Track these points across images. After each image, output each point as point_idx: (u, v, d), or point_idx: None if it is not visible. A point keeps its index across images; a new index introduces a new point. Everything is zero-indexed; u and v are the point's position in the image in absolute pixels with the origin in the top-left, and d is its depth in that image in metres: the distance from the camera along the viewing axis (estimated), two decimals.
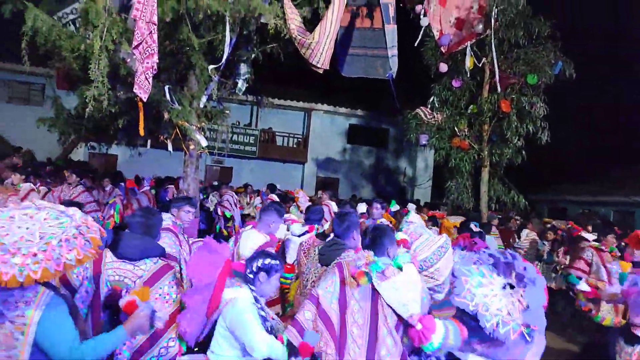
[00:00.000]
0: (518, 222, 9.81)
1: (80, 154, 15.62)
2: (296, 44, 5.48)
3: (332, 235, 3.56)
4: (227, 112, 6.52)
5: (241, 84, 6.32)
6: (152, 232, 2.97)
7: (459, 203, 11.74)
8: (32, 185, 6.64)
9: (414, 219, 3.65)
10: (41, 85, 16.00)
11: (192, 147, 6.20)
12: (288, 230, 4.78)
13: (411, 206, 7.43)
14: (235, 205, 8.93)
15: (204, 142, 6.10)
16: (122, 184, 7.78)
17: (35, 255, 1.79)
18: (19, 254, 1.77)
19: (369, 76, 6.33)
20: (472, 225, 5.51)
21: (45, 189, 6.98)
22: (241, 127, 17.71)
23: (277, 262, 2.71)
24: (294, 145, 19.57)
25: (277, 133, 19.18)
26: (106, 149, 8.42)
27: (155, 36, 4.55)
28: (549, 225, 9.45)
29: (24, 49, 4.34)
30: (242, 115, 17.93)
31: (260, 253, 2.83)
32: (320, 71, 5.67)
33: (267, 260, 2.67)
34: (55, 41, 4.49)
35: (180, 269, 3.67)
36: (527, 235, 8.51)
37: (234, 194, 9.51)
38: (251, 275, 2.64)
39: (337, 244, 3.34)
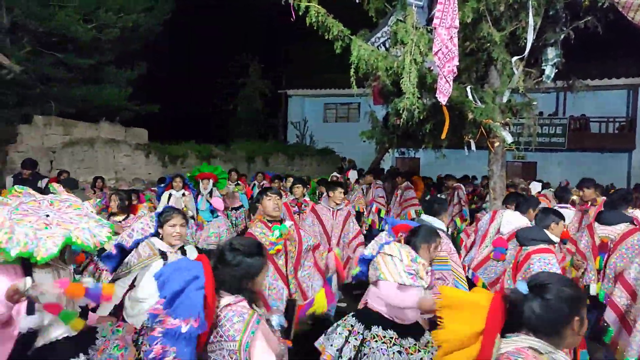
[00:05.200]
0: None
1: (388, 159, 17.62)
2: (620, 9, 4.61)
3: None
4: (535, 103, 6.06)
5: (549, 71, 5.76)
6: None
7: None
8: None
9: None
10: (357, 104, 19.02)
11: (496, 144, 6.05)
12: None
13: None
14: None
15: (509, 139, 5.85)
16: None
17: None
18: None
19: None
20: None
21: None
22: (545, 117, 16.12)
23: None
24: (615, 131, 16.44)
25: (590, 119, 16.54)
26: (413, 153, 9.16)
27: (455, 40, 4.69)
28: None
29: (353, 76, 5.20)
30: (545, 105, 16.26)
31: None
32: None
33: None
34: (373, 63, 5.21)
35: None
36: None
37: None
38: None
39: None
